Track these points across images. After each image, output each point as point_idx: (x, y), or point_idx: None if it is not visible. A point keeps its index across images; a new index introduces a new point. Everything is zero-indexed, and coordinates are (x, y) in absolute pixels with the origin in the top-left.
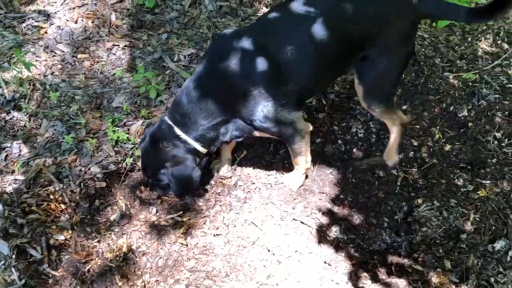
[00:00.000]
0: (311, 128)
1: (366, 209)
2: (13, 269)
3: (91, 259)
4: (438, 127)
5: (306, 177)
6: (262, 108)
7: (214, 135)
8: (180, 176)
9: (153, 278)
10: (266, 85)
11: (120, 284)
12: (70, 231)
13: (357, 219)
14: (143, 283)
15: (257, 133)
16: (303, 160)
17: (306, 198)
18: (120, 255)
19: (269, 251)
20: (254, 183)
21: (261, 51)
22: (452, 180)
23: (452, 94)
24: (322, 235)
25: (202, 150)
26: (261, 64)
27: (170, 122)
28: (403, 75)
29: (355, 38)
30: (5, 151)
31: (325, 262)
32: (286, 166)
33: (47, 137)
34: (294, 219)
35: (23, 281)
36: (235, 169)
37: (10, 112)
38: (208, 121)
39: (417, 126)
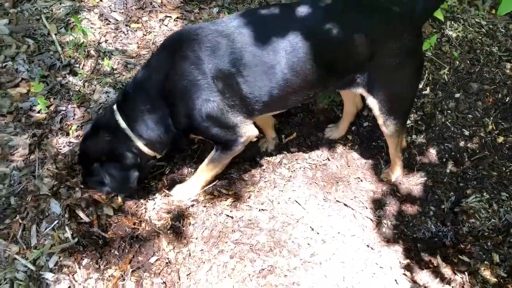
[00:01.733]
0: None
1: (412, 196)
2: (66, 228)
3: (140, 225)
4: (491, 118)
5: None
6: (206, 105)
7: (158, 132)
8: (114, 176)
9: (198, 247)
10: (219, 90)
11: (167, 250)
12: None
13: (402, 205)
14: (188, 251)
15: (193, 135)
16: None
17: (350, 181)
18: (168, 223)
19: (313, 230)
20: (299, 163)
21: (222, 56)
22: (504, 173)
23: (509, 85)
24: (365, 219)
25: (145, 149)
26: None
27: (114, 107)
28: (457, 63)
29: (335, 64)
30: (61, 114)
31: (367, 246)
32: (333, 147)
33: (100, 103)
34: (337, 201)
35: (76, 239)
36: (280, 148)
37: (66, 77)
38: (152, 114)
39: (470, 116)
